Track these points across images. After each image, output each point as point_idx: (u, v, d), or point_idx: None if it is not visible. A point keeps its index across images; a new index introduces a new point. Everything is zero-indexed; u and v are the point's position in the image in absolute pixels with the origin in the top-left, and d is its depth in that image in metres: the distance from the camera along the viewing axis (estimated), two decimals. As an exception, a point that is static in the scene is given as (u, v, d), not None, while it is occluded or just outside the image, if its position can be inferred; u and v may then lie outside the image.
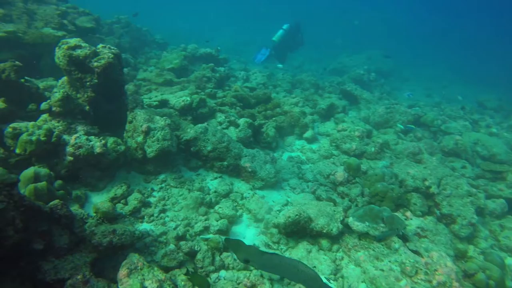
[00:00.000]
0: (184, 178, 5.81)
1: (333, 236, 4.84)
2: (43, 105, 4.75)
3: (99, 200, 4.87)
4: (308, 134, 8.28)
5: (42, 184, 3.71)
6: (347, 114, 10.34)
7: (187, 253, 4.09)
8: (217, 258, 4.21)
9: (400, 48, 26.75)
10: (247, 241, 4.86)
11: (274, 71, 14.64)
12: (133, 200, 4.82)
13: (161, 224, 4.65)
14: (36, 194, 3.67)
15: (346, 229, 5.03)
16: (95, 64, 5.03)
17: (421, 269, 4.12)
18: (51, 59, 5.41)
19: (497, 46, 33.96)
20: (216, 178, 6.09)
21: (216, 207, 5.18)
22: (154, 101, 7.56)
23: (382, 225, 4.54)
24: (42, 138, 4.41)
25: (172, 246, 4.08)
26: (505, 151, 7.86)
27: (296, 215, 4.69)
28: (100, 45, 5.39)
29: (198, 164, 6.19)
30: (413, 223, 5.37)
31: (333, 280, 4.30)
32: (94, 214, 3.93)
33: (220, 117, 7.51)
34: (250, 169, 6.08)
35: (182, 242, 4.23)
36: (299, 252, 4.65)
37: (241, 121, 7.27)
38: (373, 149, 7.57)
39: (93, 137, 4.78)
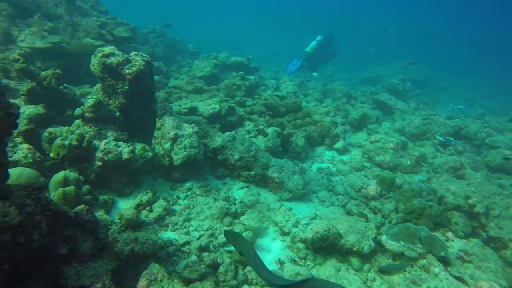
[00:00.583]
0: (210, 187, 5.72)
1: (364, 255, 4.51)
2: (77, 111, 4.88)
3: (126, 205, 4.89)
4: (339, 144, 7.97)
5: (71, 188, 3.75)
6: (381, 125, 9.92)
7: (209, 265, 3.95)
8: (240, 272, 4.04)
9: (438, 56, 25.62)
10: (273, 255, 4.67)
11: (305, 80, 14.44)
12: (158, 207, 4.78)
13: (184, 233, 4.57)
14: (65, 198, 3.70)
15: (379, 247, 4.69)
16: (127, 71, 5.11)
17: (465, 299, 3.71)
18: (89, 67, 5.59)
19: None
20: (242, 187, 5.95)
21: (242, 218, 5.03)
22: (184, 108, 7.61)
23: (420, 245, 4.16)
24: (74, 143, 4.50)
25: (194, 257, 3.96)
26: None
27: (325, 230, 4.43)
28: (133, 53, 5.49)
29: (225, 172, 6.09)
30: (455, 245, 4.90)
31: None
32: (118, 221, 3.91)
33: (249, 125, 7.41)
34: (277, 180, 5.89)
35: (204, 254, 4.10)
36: (327, 270, 4.36)
37: (270, 130, 7.12)
38: (408, 162, 7.12)
39: (121, 143, 4.82)
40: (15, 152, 4.37)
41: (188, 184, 5.66)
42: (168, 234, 4.51)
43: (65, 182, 3.82)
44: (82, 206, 3.40)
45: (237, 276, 3.98)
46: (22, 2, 8.35)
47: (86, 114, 4.90)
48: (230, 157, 5.99)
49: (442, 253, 4.19)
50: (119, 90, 5.30)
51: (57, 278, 3.05)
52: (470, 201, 5.53)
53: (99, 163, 4.62)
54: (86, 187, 4.01)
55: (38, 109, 5.01)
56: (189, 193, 5.52)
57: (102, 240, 3.42)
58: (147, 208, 4.83)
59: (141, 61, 5.28)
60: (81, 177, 4.58)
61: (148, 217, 4.62)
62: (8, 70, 5.63)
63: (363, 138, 8.64)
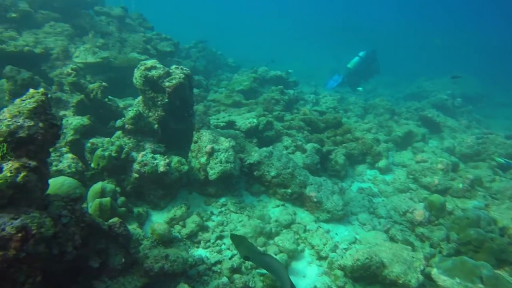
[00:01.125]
0: (244, 204, 5.56)
1: (411, 289, 4.05)
2: (118, 122, 5.00)
3: (160, 219, 4.86)
4: (381, 163, 7.48)
5: (107, 200, 3.77)
6: (427, 143, 9.23)
7: (240, 289, 3.75)
8: (273, 298, 3.78)
9: (491, 69, 23.85)
10: (308, 281, 4.35)
11: (345, 95, 14.04)
12: (191, 223, 4.69)
13: (217, 251, 4.41)
14: (101, 209, 3.73)
15: (428, 281, 4.20)
16: (167, 84, 5.18)
17: None
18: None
19: None
20: (278, 206, 5.72)
21: (276, 239, 4.78)
22: (222, 121, 7.61)
23: (481, 286, 3.63)
24: (113, 154, 4.58)
25: (225, 279, 3.78)
26: None
27: (367, 258, 4.05)
28: (173, 66, 5.57)
29: (261, 189, 5.91)
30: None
31: None
32: (150, 235, 3.86)
33: (287, 141, 7.21)
34: (315, 199, 5.59)
35: (236, 276, 3.91)
36: (369, 303, 3.97)
37: (309, 146, 6.86)
38: (461, 185, 6.47)
39: (158, 155, 4.83)
40: (60, 162, 4.54)
41: (222, 200, 5.54)
42: (200, 252, 4.38)
43: (102, 193, 3.86)
44: (115, 219, 3.38)
45: (269, 302, 3.73)
46: (81, 22, 8.99)
47: (126, 126, 5.00)
48: (267, 173, 5.80)
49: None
50: (159, 102, 5.38)
51: (87, 291, 3.02)
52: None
53: (135, 175, 4.66)
54: (121, 199, 4.02)
55: (84, 120, 5.21)
56: (223, 209, 5.39)
57: (133, 255, 3.36)
58: (180, 222, 4.76)
59: (181, 74, 5.33)
60: (118, 188, 4.64)
61: (181, 233, 4.53)
62: (62, 83, 5.96)
63: (407, 157, 8.06)
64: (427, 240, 5.21)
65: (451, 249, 4.88)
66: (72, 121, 5.17)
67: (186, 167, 5.25)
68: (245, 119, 7.38)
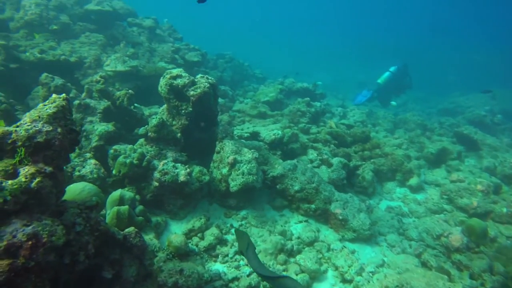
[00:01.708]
0: (266, 218, 5.35)
1: (448, 325, 3.66)
2: (141, 130, 5.00)
3: (178, 229, 4.75)
4: (412, 181, 7.04)
5: (124, 208, 3.70)
6: (463, 161, 8.62)
7: (258, 310, 3.52)
8: (292, 322, 3.51)
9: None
10: (331, 306, 4.05)
11: (374, 108, 13.61)
12: (210, 235, 4.54)
13: (234, 267, 4.22)
14: (118, 218, 3.66)
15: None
16: (191, 92, 5.14)
17: None
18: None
19: None
20: (301, 222, 5.46)
21: (298, 257, 4.52)
22: (246, 132, 7.49)
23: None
24: (135, 162, 4.55)
25: (241, 299, 3.57)
26: None
27: (397, 286, 3.71)
28: (199, 75, 5.55)
29: (283, 203, 5.68)
30: None
31: None
32: (167, 247, 3.74)
33: (312, 154, 6.96)
34: (340, 217, 5.29)
35: (253, 295, 3.69)
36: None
37: (335, 160, 6.58)
38: (505, 209, 5.92)
39: (179, 164, 4.76)
40: (83, 167, 4.56)
41: (243, 213, 5.36)
42: (217, 266, 4.20)
43: (121, 201, 3.80)
44: (131, 229, 3.29)
45: (288, 327, 3.47)
46: (114, 33, 9.31)
47: (149, 134, 4.99)
48: (290, 187, 5.58)
49: None
50: (183, 111, 5.35)
51: (99, 303, 2.91)
52: None
53: (156, 184, 4.59)
54: (139, 208, 3.95)
55: (109, 126, 5.25)
56: (243, 222, 5.21)
57: (147, 267, 3.24)
58: (198, 234, 4.62)
59: (206, 83, 5.29)
60: (137, 196, 4.60)
61: (199, 245, 4.38)
62: (91, 90, 6.10)
63: (441, 176, 7.55)
64: (466, 269, 4.73)
65: (496, 282, 4.38)
66: (97, 127, 5.23)
67: (207, 178, 5.14)
68: (270, 131, 7.22)
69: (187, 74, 5.34)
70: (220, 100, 9.38)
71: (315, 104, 9.63)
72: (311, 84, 11.89)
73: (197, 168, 5.20)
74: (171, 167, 4.65)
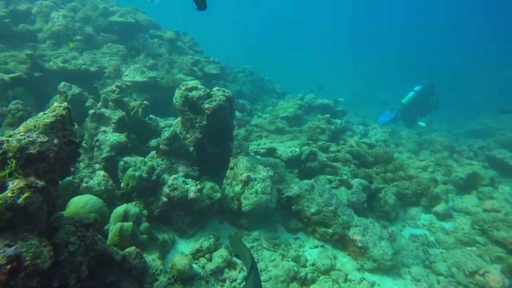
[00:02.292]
0: (279, 240, 5.01)
1: None
2: (153, 142, 4.83)
3: (186, 248, 4.48)
4: (439, 208, 6.51)
5: (128, 225, 3.48)
6: (497, 188, 7.98)
7: None
8: None
9: None
10: None
11: (397, 128, 13.10)
12: (218, 257, 4.23)
13: (242, 295, 3.89)
14: (120, 235, 3.44)
15: None
16: (206, 105, 4.96)
17: None
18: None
19: None
20: (316, 247, 5.08)
21: (312, 287, 4.14)
22: (262, 148, 7.23)
23: None
24: (144, 175, 4.36)
25: (247, 334, 3.22)
26: None
27: (424, 330, 3.26)
28: (215, 88, 5.38)
29: (298, 226, 5.33)
30: None
31: None
32: (169, 270, 3.47)
33: (331, 174, 6.59)
34: (360, 244, 4.87)
35: (261, 330, 3.33)
36: None
37: (355, 181, 6.19)
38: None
39: (190, 180, 4.53)
40: (91, 178, 4.41)
41: (255, 234, 5.05)
42: (224, 293, 3.89)
43: (125, 216, 3.59)
44: (132, 249, 3.05)
45: None
46: (135, 44, 9.42)
47: (161, 146, 4.81)
48: (306, 209, 5.23)
49: None
50: (197, 124, 5.16)
51: (91, 331, 2.65)
52: None
53: (164, 199, 4.37)
54: (144, 225, 3.72)
55: (121, 137, 5.13)
56: (255, 244, 4.89)
57: (146, 292, 2.98)
58: (206, 255, 4.33)
59: (222, 96, 5.10)
60: (145, 211, 4.39)
61: (206, 268, 4.08)
62: (108, 100, 6.05)
63: (472, 203, 6.96)
64: (503, 313, 4.20)
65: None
66: (110, 137, 5.11)
67: (218, 195, 4.89)
68: (287, 147, 6.93)
69: (203, 86, 5.17)
70: (237, 114, 9.22)
71: (335, 121, 9.30)
72: (331, 100, 11.59)
73: (208, 184, 4.97)
74: (181, 183, 4.43)
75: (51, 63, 7.61)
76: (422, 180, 6.87)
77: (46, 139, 2.17)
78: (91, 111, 5.61)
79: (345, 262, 4.88)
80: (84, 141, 5.19)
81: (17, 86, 6.59)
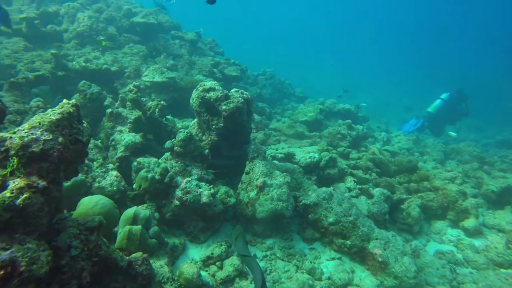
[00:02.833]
0: (294, 250, 4.78)
1: None
2: (167, 144, 4.72)
3: (197, 253, 4.34)
4: (468, 223, 6.07)
5: (137, 228, 3.36)
6: (534, 204, 7.40)
7: None
8: None
9: None
10: None
11: (422, 135, 12.54)
12: (230, 265, 4.06)
13: (253, 307, 3.69)
14: (129, 238, 3.33)
15: None
16: (224, 107, 4.81)
17: None
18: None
19: None
20: (333, 259, 4.81)
21: (327, 304, 3.89)
22: (280, 153, 7.03)
23: None
24: (157, 177, 4.26)
25: None
26: None
27: None
28: (233, 90, 5.24)
29: (315, 236, 5.08)
30: None
31: None
32: (176, 279, 3.32)
33: (351, 182, 6.30)
34: (380, 258, 4.56)
35: None
36: None
37: (377, 191, 5.87)
38: None
39: (203, 184, 4.38)
40: (104, 178, 4.35)
41: (269, 242, 4.84)
42: (234, 304, 3.70)
43: (134, 220, 3.48)
44: (138, 254, 2.92)
45: None
46: (156, 44, 9.46)
47: (175, 148, 4.70)
48: (324, 218, 4.98)
49: None
50: (213, 126, 5.03)
51: None
52: None
53: (177, 202, 4.25)
54: (153, 229, 3.60)
55: (136, 137, 5.07)
56: (268, 253, 4.68)
57: (151, 301, 2.84)
58: (217, 263, 4.16)
59: (240, 98, 4.94)
60: (156, 213, 4.27)
61: (216, 276, 3.91)
62: (125, 99, 6.03)
63: (506, 220, 6.45)
64: None
65: None
66: (125, 137, 5.06)
67: (233, 200, 4.72)
68: (306, 153, 6.68)
69: (220, 87, 5.04)
70: (256, 117, 9.06)
71: (356, 127, 8.96)
72: (353, 105, 11.24)
73: (223, 189, 4.81)
74: (194, 186, 4.29)
75: (74, 62, 7.72)
76: (449, 192, 6.44)
77: (51, 137, 2.07)
78: (109, 110, 5.59)
79: (363, 277, 4.58)
80: (99, 140, 5.17)
81: (40, 84, 6.70)
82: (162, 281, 3.16)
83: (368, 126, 11.80)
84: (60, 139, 2.11)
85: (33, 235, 1.97)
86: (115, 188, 4.24)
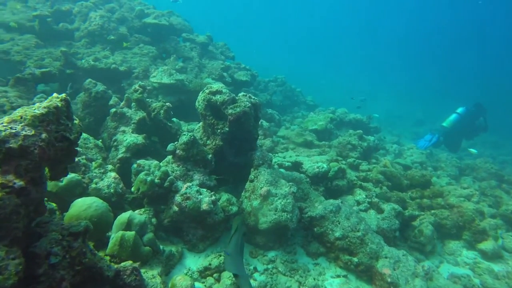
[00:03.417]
0: (297, 265, 4.51)
1: None
2: (169, 146, 4.53)
3: (194, 263, 4.11)
4: (486, 245, 5.70)
5: (130, 234, 3.16)
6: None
7: None
8: None
9: None
10: None
11: (435, 150, 12.12)
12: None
13: (250, 326, 3.42)
14: (121, 245, 3.13)
15: None
16: (230, 111, 4.61)
17: None
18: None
19: None
20: (339, 276, 4.52)
21: (330, 327, 3.60)
22: (287, 161, 6.78)
23: None
24: (156, 181, 4.06)
25: None
26: None
27: None
28: (241, 93, 5.04)
29: (320, 250, 4.79)
30: None
31: None
32: (169, 292, 3.10)
33: (360, 195, 6.01)
34: (389, 279, 4.25)
35: None
36: None
37: (387, 206, 5.57)
38: None
39: (204, 190, 4.17)
40: (102, 179, 4.17)
41: (271, 254, 4.58)
42: (229, 322, 3.44)
43: (128, 225, 3.27)
44: (128, 263, 2.71)
45: None
46: (167, 46, 9.38)
47: (177, 151, 4.50)
48: (330, 232, 4.70)
49: None
50: (219, 130, 4.83)
51: None
52: None
53: (175, 208, 4.04)
54: (148, 236, 3.38)
55: (138, 139, 4.90)
56: (270, 266, 4.41)
57: (139, 316, 2.61)
58: (215, 275, 3.92)
59: (247, 103, 4.74)
60: (154, 219, 4.07)
61: (212, 290, 3.68)
62: (131, 100, 5.89)
63: (527, 244, 6.06)
64: None
65: None
66: (127, 138, 4.90)
67: (234, 208, 4.49)
68: (314, 162, 6.42)
69: (227, 90, 4.85)
70: (264, 123, 8.85)
71: (368, 138, 8.67)
72: (365, 116, 10.94)
73: (225, 196, 4.59)
74: (195, 192, 4.08)
75: (83, 61, 7.66)
76: (465, 211, 6.09)
77: (33, 132, 1.88)
78: (113, 110, 5.45)
79: (370, 298, 4.29)
80: (100, 140, 5.02)
81: (46, 81, 6.63)
82: (152, 293, 2.94)
83: (380, 137, 11.47)
84: (43, 135, 1.92)
85: (4, 241, 1.78)
86: (112, 191, 4.05)
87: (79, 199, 3.35)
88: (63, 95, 2.18)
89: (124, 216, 3.31)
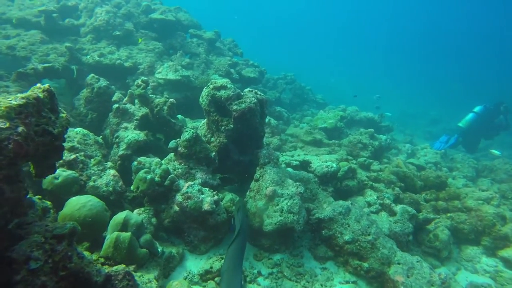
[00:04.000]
0: (304, 269, 4.27)
1: None
2: (171, 143, 4.35)
3: (195, 266, 3.91)
4: (509, 253, 5.34)
5: (126, 236, 2.98)
6: None
7: None
8: None
9: None
10: None
11: (450, 150, 11.69)
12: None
13: (252, 335, 3.21)
14: (115, 247, 2.95)
15: None
16: (235, 107, 4.40)
17: None
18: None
19: None
20: (348, 282, 4.27)
21: (338, 338, 3.36)
22: (295, 160, 6.53)
23: None
24: (157, 179, 3.88)
25: None
26: None
27: None
28: (247, 89, 4.83)
29: (328, 254, 4.55)
30: None
31: None
32: (165, 298, 2.91)
33: (371, 196, 5.74)
34: (402, 287, 3.99)
35: None
36: None
37: (400, 208, 5.28)
38: None
39: (206, 189, 3.97)
40: (100, 177, 4.01)
41: (277, 258, 4.35)
42: (230, 330, 3.23)
43: (124, 225, 3.09)
44: (120, 267, 2.52)
45: None
46: (173, 42, 9.22)
47: (179, 149, 4.31)
48: (339, 235, 4.45)
49: None
50: (223, 127, 4.62)
51: None
52: None
53: (176, 208, 3.85)
54: (145, 238, 3.19)
55: (140, 135, 4.73)
56: (275, 270, 4.19)
57: (131, 325, 2.42)
58: (216, 279, 3.72)
59: (253, 99, 4.52)
60: (154, 219, 3.89)
61: (213, 295, 3.48)
62: (134, 96, 5.74)
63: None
64: None
65: None
66: (128, 134, 4.73)
67: (238, 209, 4.27)
68: (323, 162, 6.16)
69: (232, 86, 4.63)
70: (272, 121, 8.62)
71: (379, 137, 8.35)
72: (376, 114, 10.60)
73: (228, 196, 4.39)
74: (196, 191, 3.88)
75: (88, 56, 7.56)
76: (485, 215, 5.74)
77: (7, 125, 1.70)
78: (115, 105, 5.30)
79: (382, 306, 4.02)
80: (101, 136, 4.87)
81: (50, 77, 6.52)
82: (146, 300, 2.75)
83: (392, 136, 11.10)
84: (20, 128, 1.74)
85: (-25, 244, 1.60)
86: (111, 189, 3.88)
87: (74, 198, 3.19)
88: (46, 85, 2.00)
89: (120, 216, 3.13)
